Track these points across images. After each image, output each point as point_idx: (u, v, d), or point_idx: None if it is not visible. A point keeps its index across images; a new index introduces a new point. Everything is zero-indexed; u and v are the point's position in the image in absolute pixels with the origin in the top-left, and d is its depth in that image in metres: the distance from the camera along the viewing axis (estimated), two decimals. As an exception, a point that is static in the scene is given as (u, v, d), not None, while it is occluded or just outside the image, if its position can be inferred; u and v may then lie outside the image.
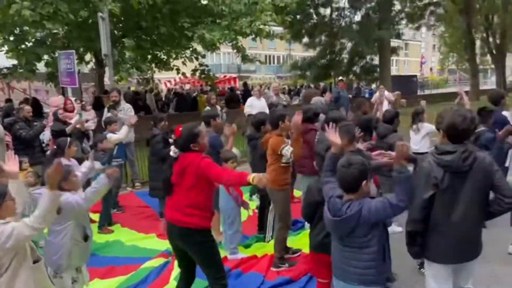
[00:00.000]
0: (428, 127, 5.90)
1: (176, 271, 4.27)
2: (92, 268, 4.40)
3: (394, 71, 40.45)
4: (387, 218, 2.60)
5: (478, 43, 31.25)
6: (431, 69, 54.26)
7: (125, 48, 13.26)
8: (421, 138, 5.94)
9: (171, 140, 5.99)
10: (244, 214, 5.64)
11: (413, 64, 56.61)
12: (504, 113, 5.68)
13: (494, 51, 30.43)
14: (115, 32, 12.80)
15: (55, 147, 5.27)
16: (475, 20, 28.05)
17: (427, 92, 34.38)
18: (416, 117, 6.04)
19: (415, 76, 36.80)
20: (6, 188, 2.56)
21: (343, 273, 2.65)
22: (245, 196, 6.66)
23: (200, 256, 3.12)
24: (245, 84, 20.33)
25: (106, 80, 12.45)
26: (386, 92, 11.55)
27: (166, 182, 3.11)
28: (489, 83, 44.00)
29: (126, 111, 7.64)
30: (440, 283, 2.81)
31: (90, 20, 11.09)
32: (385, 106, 10.53)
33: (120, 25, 13.06)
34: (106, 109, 7.78)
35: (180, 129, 3.08)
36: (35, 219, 2.39)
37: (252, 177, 2.86)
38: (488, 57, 33.15)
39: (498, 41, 30.60)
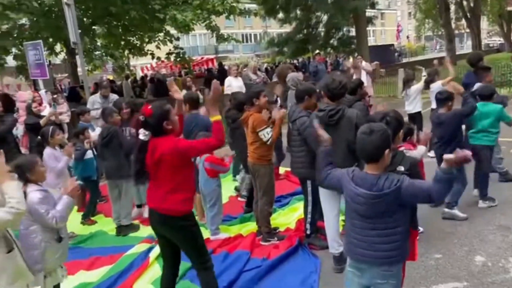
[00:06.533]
0: (415, 89, 6.97)
1: (156, 252, 4.30)
2: (77, 261, 4.38)
3: (371, 41, 40.49)
4: (416, 203, 2.46)
5: (452, 7, 31.35)
6: (407, 37, 54.37)
7: (96, 35, 12.89)
8: (412, 100, 7.02)
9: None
10: (226, 195, 5.63)
11: (389, 33, 56.64)
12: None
13: (468, 15, 30.59)
14: (84, 20, 12.42)
15: (39, 137, 5.13)
16: (448, -16, 28.06)
17: (405, 60, 34.50)
18: (406, 85, 7.12)
19: (392, 45, 36.91)
20: None
21: (367, 257, 2.44)
22: (228, 177, 6.66)
23: (183, 241, 3.06)
24: (220, 64, 20.11)
25: (80, 71, 12.13)
26: (363, 63, 11.54)
27: (139, 168, 2.98)
28: (465, 47, 44.43)
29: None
30: (329, 202, 3.80)
31: (56, 8, 10.72)
32: (363, 76, 10.53)
33: (89, 12, 12.66)
34: (91, 99, 7.50)
35: (149, 107, 2.89)
36: (14, 202, 2.38)
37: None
38: (463, 21, 33.30)
39: (472, 4, 30.75)
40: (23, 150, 7.03)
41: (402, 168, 2.47)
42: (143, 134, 2.85)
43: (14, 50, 11.72)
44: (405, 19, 62.23)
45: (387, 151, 2.31)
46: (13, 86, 15.26)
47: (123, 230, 5.20)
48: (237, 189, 6.18)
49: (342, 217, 3.99)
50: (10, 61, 12.17)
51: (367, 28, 23.54)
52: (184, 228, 3.00)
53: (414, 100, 7.03)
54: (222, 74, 16.57)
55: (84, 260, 4.44)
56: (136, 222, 5.39)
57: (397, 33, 39.51)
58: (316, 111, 3.68)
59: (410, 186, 2.29)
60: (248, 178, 5.68)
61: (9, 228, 2.54)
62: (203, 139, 2.99)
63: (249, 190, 5.35)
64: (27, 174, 2.99)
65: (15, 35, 11.56)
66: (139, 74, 23.42)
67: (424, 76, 7.24)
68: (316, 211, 4.34)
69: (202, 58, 27.35)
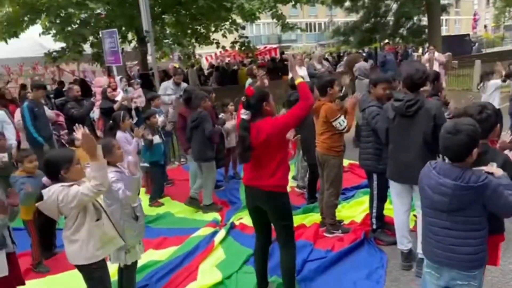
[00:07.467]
0: (493, 83, 6.67)
1: (220, 236, 4.46)
2: (146, 240, 4.53)
3: (443, 31, 38.22)
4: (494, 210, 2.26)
5: (538, -6, 28.74)
6: (485, 26, 50.72)
7: (165, 24, 13.29)
8: (489, 95, 6.66)
9: (222, 115, 6.08)
10: (288, 185, 5.59)
11: (464, 23, 53.22)
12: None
13: (557, 2, 27.88)
14: (155, 8, 12.84)
15: (111, 121, 5.44)
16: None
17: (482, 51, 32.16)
18: (485, 77, 6.85)
19: (468, 35, 34.56)
20: (73, 153, 2.79)
21: (445, 259, 2.33)
22: (291, 167, 6.61)
23: (281, 217, 3.18)
24: (282, 54, 20.01)
25: (150, 58, 12.60)
26: (436, 54, 10.97)
27: (245, 147, 3.05)
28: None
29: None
30: (400, 197, 3.61)
31: (131, -2, 11.19)
32: (436, 68, 10.01)
33: (159, 1, 13.08)
34: (164, 85, 7.82)
35: (252, 88, 3.21)
36: (94, 184, 2.60)
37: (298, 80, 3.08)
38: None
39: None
40: (99, 133, 7.46)
41: (494, 165, 2.27)
42: (244, 113, 3.06)
43: (91, 38, 12.40)
44: (483, 7, 58.07)
45: (474, 150, 2.21)
46: (88, 73, 16.21)
47: (204, 208, 5.45)
48: (294, 178, 6.08)
49: (413, 212, 3.83)
50: (87, 49, 12.88)
51: (440, 17, 22.25)
52: (285, 205, 3.18)
53: (492, 95, 6.62)
54: (284, 64, 16.48)
55: (153, 239, 4.63)
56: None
57: (474, 22, 36.96)
58: (392, 101, 3.52)
59: (500, 185, 2.15)
60: (304, 168, 5.60)
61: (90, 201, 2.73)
62: (292, 108, 3.10)
63: (310, 182, 5.29)
64: (105, 156, 3.09)
65: (92, 24, 12.23)
66: (204, 63, 23.89)
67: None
68: (383, 206, 4.21)
69: (265, 47, 27.34)
